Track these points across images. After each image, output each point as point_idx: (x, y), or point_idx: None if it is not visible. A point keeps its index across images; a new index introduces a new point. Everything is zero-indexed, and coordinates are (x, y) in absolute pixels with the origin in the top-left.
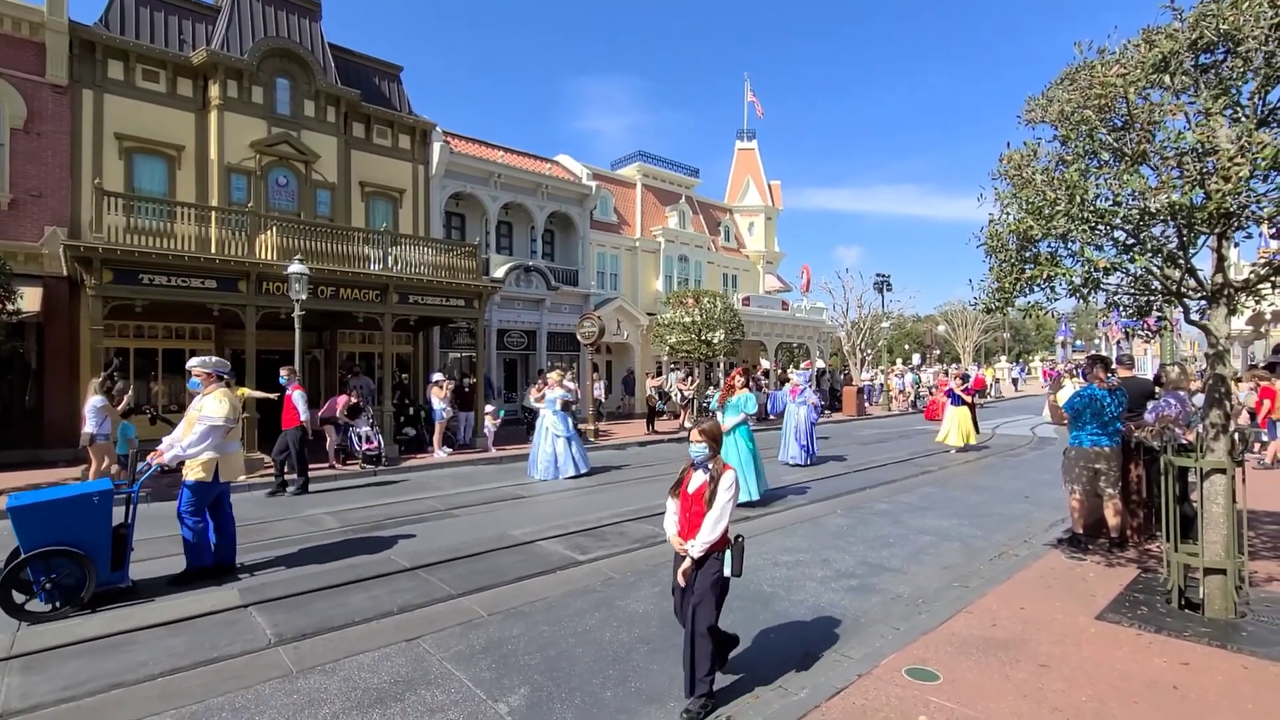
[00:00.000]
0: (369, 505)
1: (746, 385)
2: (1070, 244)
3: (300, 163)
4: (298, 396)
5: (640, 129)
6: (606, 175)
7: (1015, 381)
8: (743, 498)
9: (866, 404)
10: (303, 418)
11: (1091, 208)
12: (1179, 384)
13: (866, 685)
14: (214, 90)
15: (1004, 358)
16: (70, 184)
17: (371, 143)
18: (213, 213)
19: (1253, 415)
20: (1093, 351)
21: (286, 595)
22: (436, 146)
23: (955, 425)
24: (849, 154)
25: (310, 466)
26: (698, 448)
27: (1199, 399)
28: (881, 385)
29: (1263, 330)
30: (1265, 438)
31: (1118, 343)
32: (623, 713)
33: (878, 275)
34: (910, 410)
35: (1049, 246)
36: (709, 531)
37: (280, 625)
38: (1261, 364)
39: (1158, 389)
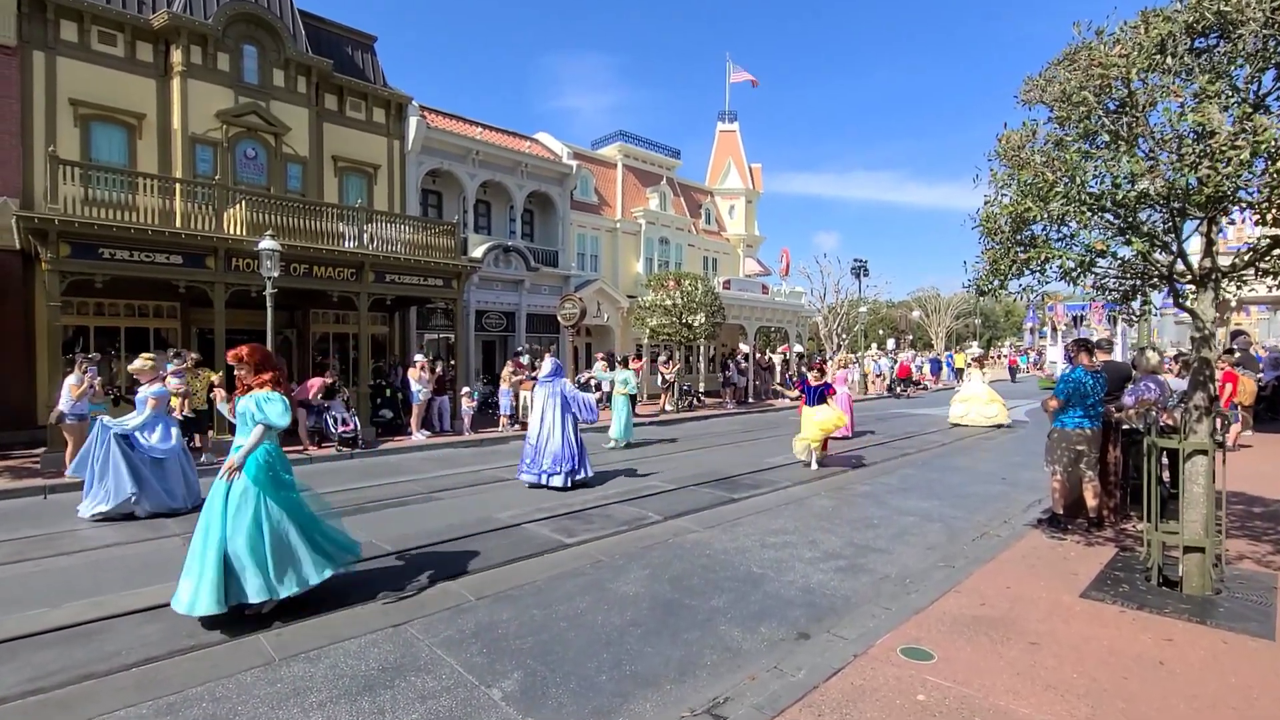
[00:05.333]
0: (347, 488)
1: (275, 380)
2: (1065, 227)
3: (269, 135)
4: None
5: (618, 109)
6: (587, 155)
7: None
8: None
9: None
10: None
11: (1088, 190)
12: (1157, 369)
13: (863, 665)
14: (176, 56)
15: (974, 343)
16: (21, 152)
17: (344, 115)
18: (177, 185)
19: (1214, 399)
20: (1079, 336)
21: None
22: (413, 121)
23: (808, 428)
24: (828, 139)
25: (283, 449)
26: None
27: (1175, 383)
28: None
29: (1224, 316)
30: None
31: (1064, 328)
32: (618, 696)
33: (855, 260)
34: (886, 394)
35: (1042, 229)
36: None
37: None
38: (1229, 348)
39: (1134, 372)
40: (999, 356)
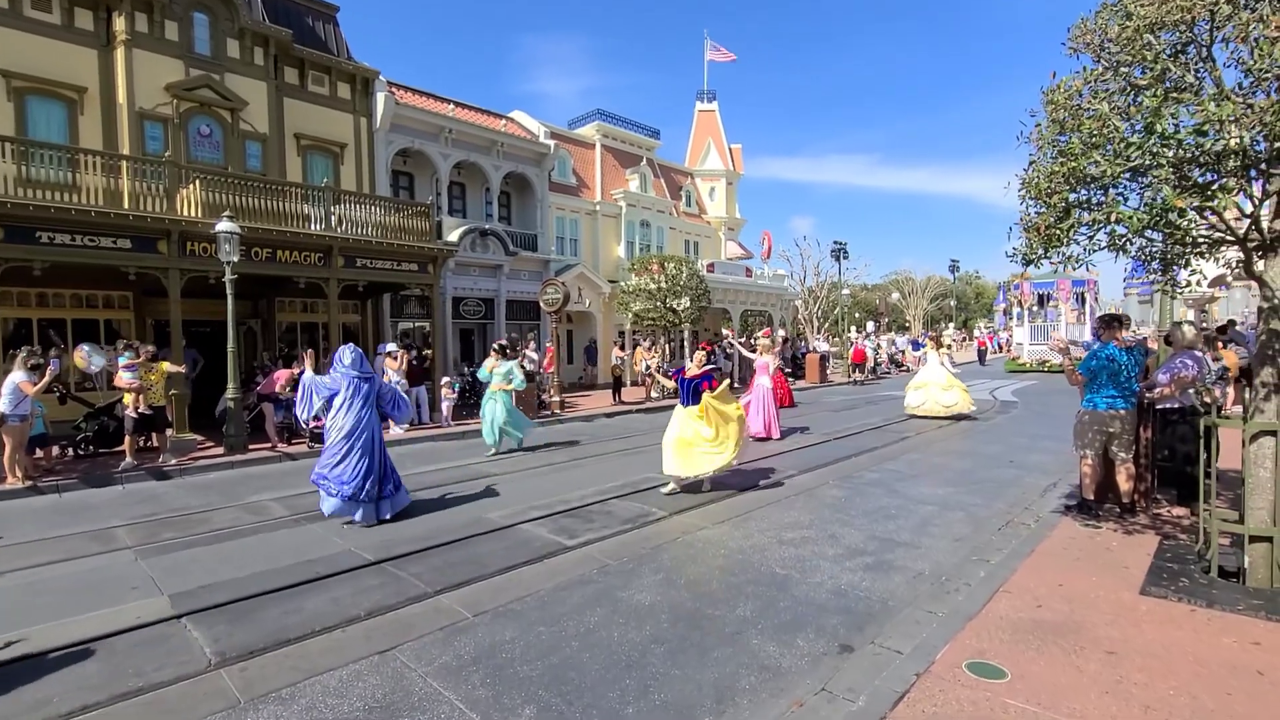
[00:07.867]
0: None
1: None
2: (1115, 186)
3: (225, 110)
4: None
5: (592, 92)
6: (565, 135)
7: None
8: None
9: (828, 371)
10: None
11: (1164, 141)
12: (1193, 344)
13: (930, 687)
14: (119, 24)
15: (950, 325)
16: None
17: (307, 90)
18: (124, 162)
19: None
20: (1106, 314)
21: (229, 601)
22: (380, 97)
23: (673, 437)
24: (801, 124)
25: (250, 446)
26: None
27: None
28: (836, 352)
29: (1217, 295)
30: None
31: (1029, 309)
32: None
33: (835, 243)
34: (872, 377)
35: (1088, 191)
36: None
37: (222, 640)
38: (1220, 325)
39: (1167, 348)
40: (965, 339)
